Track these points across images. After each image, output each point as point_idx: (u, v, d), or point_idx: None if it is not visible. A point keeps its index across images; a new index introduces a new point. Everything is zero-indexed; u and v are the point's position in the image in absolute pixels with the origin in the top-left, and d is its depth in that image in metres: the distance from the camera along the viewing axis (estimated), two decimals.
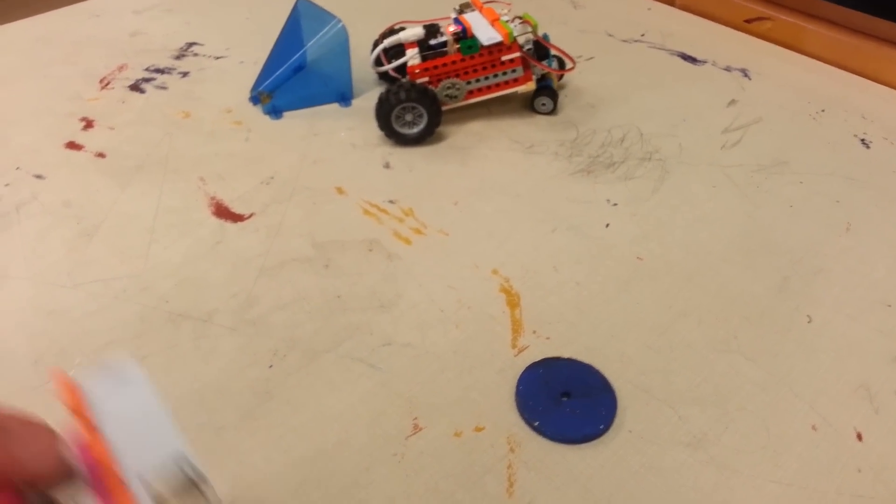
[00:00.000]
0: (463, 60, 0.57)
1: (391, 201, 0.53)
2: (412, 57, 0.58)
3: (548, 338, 0.43)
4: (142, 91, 0.64)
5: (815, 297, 0.45)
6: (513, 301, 0.45)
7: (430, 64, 0.57)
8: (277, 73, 0.62)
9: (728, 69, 0.70)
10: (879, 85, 0.67)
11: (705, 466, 0.36)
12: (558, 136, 0.60)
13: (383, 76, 0.63)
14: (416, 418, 0.38)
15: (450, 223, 0.51)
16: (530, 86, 0.60)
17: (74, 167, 0.55)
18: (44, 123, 0.60)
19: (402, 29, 0.61)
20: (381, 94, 0.56)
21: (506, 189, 0.54)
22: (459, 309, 0.45)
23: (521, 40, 0.57)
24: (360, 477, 0.36)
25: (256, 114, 0.62)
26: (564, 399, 0.39)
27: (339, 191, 0.54)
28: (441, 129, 0.59)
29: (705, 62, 0.71)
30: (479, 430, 0.38)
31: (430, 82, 0.58)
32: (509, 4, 0.60)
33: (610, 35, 0.75)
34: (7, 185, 0.53)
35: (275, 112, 0.62)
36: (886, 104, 0.64)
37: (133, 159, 0.56)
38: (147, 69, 0.67)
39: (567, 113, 0.63)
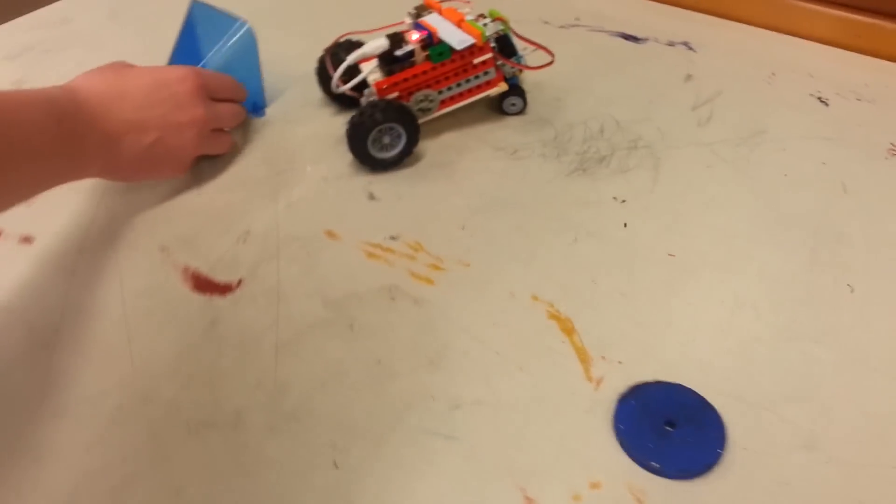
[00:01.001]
0: (434, 69, 0.52)
1: (392, 237, 0.47)
2: (371, 72, 0.52)
3: (619, 362, 0.40)
4: None
5: (846, 264, 0.45)
6: (566, 327, 0.42)
7: (398, 77, 0.52)
8: None
9: (671, 44, 0.69)
10: (814, 43, 0.69)
11: (828, 467, 0.35)
12: (538, 136, 0.57)
13: (338, 97, 0.57)
14: (523, 489, 0.34)
15: (465, 251, 0.46)
16: (502, 87, 0.56)
17: None
18: None
19: (358, 42, 0.55)
20: (353, 117, 0.50)
21: (508, 202, 0.50)
22: (515, 348, 0.40)
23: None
24: None
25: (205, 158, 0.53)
26: (669, 429, 0.36)
27: (331, 235, 0.47)
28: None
29: (647, 40, 0.70)
30: (595, 486, 0.34)
31: (400, 97, 0.52)
32: (469, 2, 0.55)
33: (546, 22, 0.73)
34: None
35: None
36: (827, 61, 0.66)
37: (69, 239, 0.47)
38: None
39: (536, 110, 0.60)
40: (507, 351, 0.40)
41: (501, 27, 0.54)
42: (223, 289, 0.43)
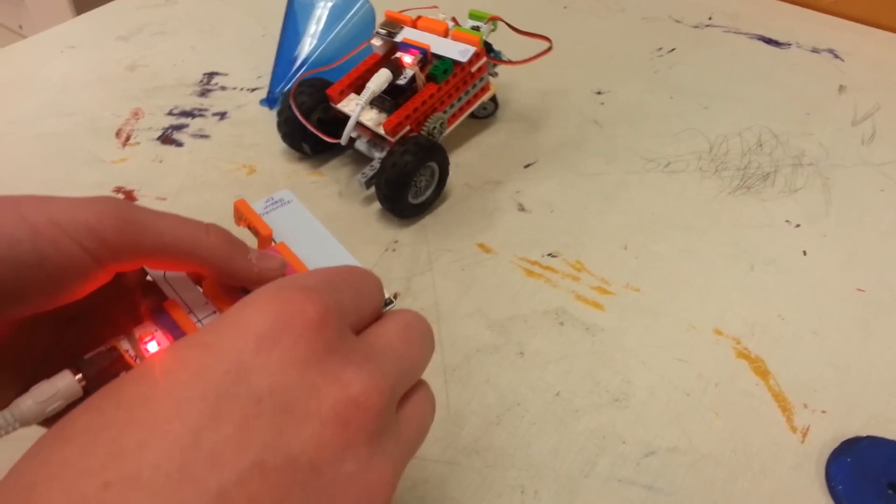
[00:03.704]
0: (440, 89, 0.45)
1: (551, 255, 0.44)
2: (363, 111, 0.44)
3: (823, 411, 0.36)
4: (178, 143, 0.51)
5: None
6: (759, 369, 0.38)
7: (407, 110, 0.44)
8: (303, 62, 0.54)
9: (816, 51, 0.64)
10: None
11: None
12: (689, 147, 0.53)
13: (303, 140, 0.48)
14: None
15: (632, 274, 0.43)
16: (492, 90, 0.50)
17: None
18: None
19: (325, 81, 0.47)
20: (384, 165, 0.43)
21: (670, 221, 0.46)
22: (707, 389, 0.37)
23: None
24: None
25: (332, 162, 0.51)
26: (892, 493, 0.32)
27: (484, 248, 0.44)
28: (543, 157, 0.50)
29: (789, 45, 0.65)
30: None
31: (410, 131, 0.45)
32: (435, 7, 0.49)
33: (677, 21, 0.68)
34: None
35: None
36: None
37: None
38: (170, 113, 0.54)
39: (684, 119, 0.55)
40: (696, 392, 0.37)
41: (493, 27, 0.49)
42: None
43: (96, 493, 0.15)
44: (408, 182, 0.43)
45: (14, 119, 0.53)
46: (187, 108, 0.55)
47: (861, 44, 0.65)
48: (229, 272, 0.23)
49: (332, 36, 0.54)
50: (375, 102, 0.45)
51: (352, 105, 0.45)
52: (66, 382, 0.20)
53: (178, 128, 0.53)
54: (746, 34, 0.67)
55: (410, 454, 0.21)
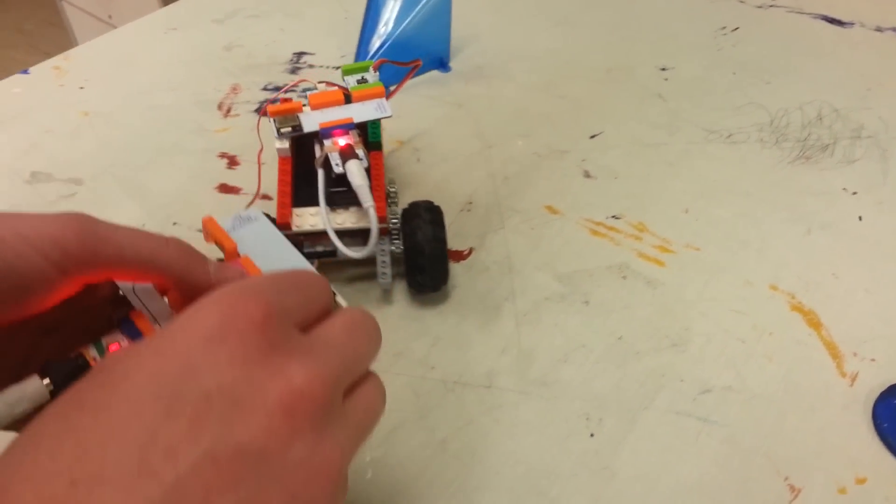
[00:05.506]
0: (380, 150, 0.43)
1: (615, 217, 0.47)
2: (320, 221, 0.39)
3: (872, 359, 0.38)
4: None
5: None
6: (812, 321, 0.40)
7: (379, 188, 0.40)
8: (381, 45, 0.58)
9: (879, 30, 0.65)
10: None
11: None
12: (751, 119, 0.55)
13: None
14: (786, 478, 0.34)
15: (693, 235, 0.46)
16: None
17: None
18: (179, 165, 0.52)
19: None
20: (414, 239, 0.39)
21: (731, 188, 0.49)
22: (761, 337, 0.40)
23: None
24: None
25: (416, 129, 0.55)
26: None
27: (552, 210, 0.48)
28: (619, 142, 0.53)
29: (852, 24, 0.66)
30: (860, 482, 0.33)
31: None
32: (296, 83, 0.47)
33: (741, 2, 0.70)
34: None
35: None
36: None
37: None
38: (265, 88, 0.59)
39: (746, 93, 0.58)
40: (751, 339, 0.40)
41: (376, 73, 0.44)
42: (456, 255, 0.45)
43: (65, 490, 0.17)
44: (444, 250, 0.40)
45: (128, 93, 0.59)
46: (280, 83, 0.60)
47: None
48: (188, 282, 0.24)
49: (409, 18, 0.58)
50: (332, 202, 0.40)
51: (315, 219, 0.39)
52: (33, 387, 0.21)
53: (273, 101, 0.58)
54: (809, 14, 0.68)
55: (361, 439, 0.23)
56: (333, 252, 0.39)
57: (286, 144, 0.41)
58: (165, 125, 0.56)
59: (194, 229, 0.47)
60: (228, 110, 0.57)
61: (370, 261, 0.40)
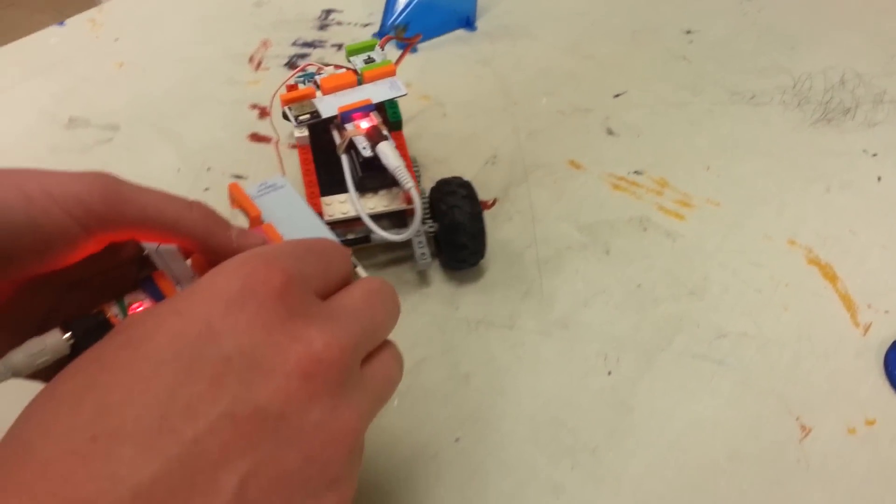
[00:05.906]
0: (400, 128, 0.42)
1: (637, 172, 0.48)
2: (349, 203, 0.38)
3: (886, 311, 0.39)
4: None
5: None
6: (828, 274, 0.41)
7: (410, 168, 0.38)
8: (407, 4, 0.58)
9: None
10: None
11: None
12: (774, 82, 0.55)
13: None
14: (798, 417, 0.35)
15: (714, 191, 0.47)
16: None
17: (273, 163, 0.49)
18: (212, 114, 0.53)
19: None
20: (452, 217, 0.38)
21: (752, 147, 0.50)
22: (777, 288, 0.41)
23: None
24: (773, 490, 0.32)
25: (442, 85, 0.56)
26: None
27: (574, 165, 0.49)
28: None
29: None
30: (870, 423, 0.35)
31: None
32: (304, 67, 0.44)
33: None
34: (207, 189, 0.47)
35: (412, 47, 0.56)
36: None
37: None
38: (294, 43, 0.60)
39: (769, 56, 0.58)
40: (768, 290, 0.41)
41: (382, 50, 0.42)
42: (482, 205, 0.46)
43: (85, 445, 0.17)
44: (482, 225, 0.39)
45: (161, 46, 0.60)
46: (308, 39, 0.61)
47: None
48: (210, 246, 0.24)
49: None
50: (362, 188, 0.38)
51: (345, 206, 0.38)
52: (53, 339, 0.22)
53: (302, 56, 0.59)
54: None
55: (377, 406, 0.23)
56: (365, 238, 0.39)
57: (305, 132, 0.40)
58: (198, 77, 0.57)
59: (228, 174, 0.48)
60: (259, 63, 0.58)
61: (399, 245, 0.39)
